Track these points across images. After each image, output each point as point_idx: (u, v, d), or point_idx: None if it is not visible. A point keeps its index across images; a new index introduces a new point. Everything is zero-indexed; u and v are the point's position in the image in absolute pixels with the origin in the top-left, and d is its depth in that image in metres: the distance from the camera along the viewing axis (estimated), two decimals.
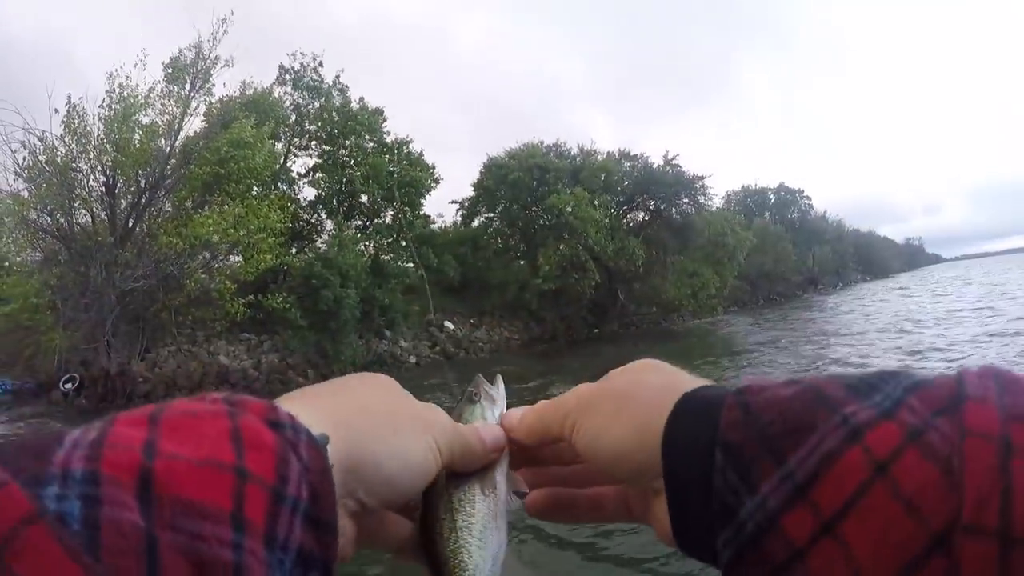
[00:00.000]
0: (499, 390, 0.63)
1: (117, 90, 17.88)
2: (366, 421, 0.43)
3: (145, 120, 18.29)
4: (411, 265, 22.95)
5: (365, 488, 0.41)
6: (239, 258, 18.78)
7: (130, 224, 18.08)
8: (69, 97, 17.33)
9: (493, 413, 0.60)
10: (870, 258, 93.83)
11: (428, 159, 23.86)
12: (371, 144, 22.53)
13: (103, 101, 17.84)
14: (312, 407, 0.40)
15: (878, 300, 33.73)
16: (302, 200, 23.38)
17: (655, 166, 26.76)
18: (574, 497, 0.53)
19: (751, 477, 0.31)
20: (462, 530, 0.52)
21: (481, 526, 0.52)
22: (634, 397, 0.43)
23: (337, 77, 23.40)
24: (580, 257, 22.23)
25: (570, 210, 22.26)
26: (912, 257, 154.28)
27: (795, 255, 47.43)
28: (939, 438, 0.28)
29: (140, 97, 18.13)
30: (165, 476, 0.29)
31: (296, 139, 23.61)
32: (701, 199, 26.43)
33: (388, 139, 23.00)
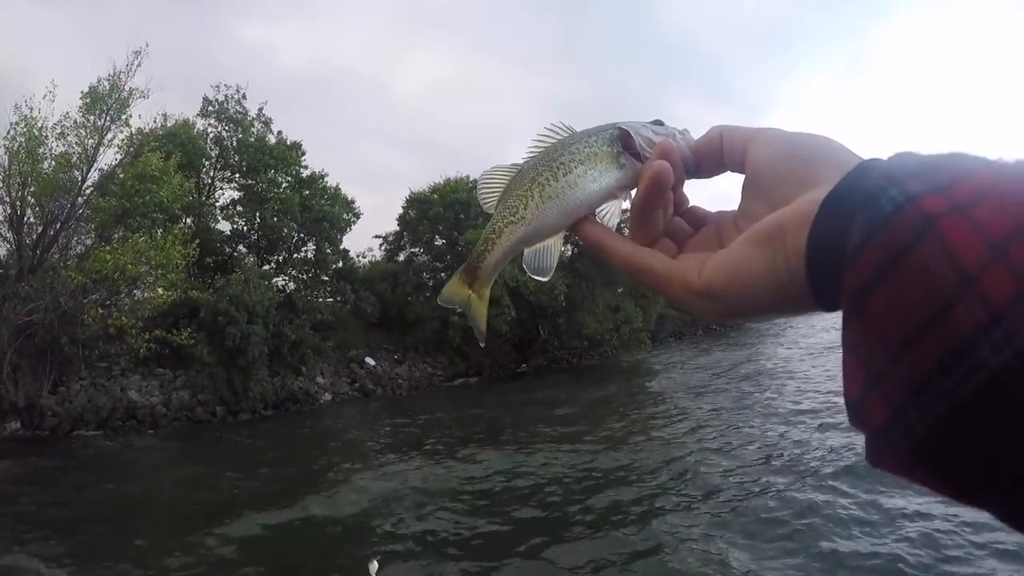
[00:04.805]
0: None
1: (23, 122, 17.73)
2: None
3: (59, 149, 18.20)
4: (331, 300, 22.63)
5: None
6: (142, 294, 18.41)
7: (39, 255, 17.77)
8: None
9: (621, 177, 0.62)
10: None
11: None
12: (289, 179, 22.35)
13: (8, 132, 17.69)
14: None
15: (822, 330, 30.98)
16: (224, 233, 23.04)
17: None
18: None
19: (902, 180, 0.38)
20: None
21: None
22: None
23: (260, 109, 23.31)
24: (496, 293, 22.09)
25: None
26: None
27: None
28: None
29: (46, 129, 18.01)
30: None
31: (219, 172, 23.39)
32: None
33: (305, 174, 22.81)
